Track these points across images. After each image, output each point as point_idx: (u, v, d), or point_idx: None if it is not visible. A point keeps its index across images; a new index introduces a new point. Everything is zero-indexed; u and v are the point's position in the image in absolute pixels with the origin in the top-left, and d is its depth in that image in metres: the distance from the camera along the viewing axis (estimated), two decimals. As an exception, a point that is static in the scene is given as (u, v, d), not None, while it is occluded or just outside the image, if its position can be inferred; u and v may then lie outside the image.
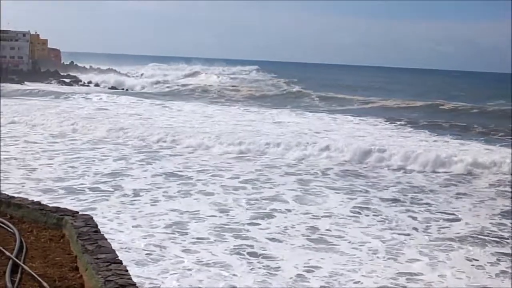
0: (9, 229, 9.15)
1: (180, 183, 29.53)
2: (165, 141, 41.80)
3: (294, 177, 32.39)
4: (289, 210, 25.40)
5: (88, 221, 9.26)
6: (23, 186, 26.95)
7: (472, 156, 37.25)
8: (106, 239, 8.51)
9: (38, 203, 10.27)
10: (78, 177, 29.97)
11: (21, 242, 8.54)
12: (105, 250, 7.92)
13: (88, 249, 7.91)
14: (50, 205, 10.37)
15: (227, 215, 24.21)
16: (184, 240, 20.59)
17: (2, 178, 27.66)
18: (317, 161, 37.06)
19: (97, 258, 7.54)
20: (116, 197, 26.25)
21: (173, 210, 24.43)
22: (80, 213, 9.84)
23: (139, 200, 26.00)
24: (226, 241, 20.80)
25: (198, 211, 24.52)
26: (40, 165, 32.35)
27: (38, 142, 40.25)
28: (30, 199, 10.73)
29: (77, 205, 23.47)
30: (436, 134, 51.45)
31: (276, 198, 27.38)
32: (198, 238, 20.91)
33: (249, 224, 23.05)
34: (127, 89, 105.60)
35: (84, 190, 27.19)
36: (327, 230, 22.69)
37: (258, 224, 23.18)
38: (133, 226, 21.87)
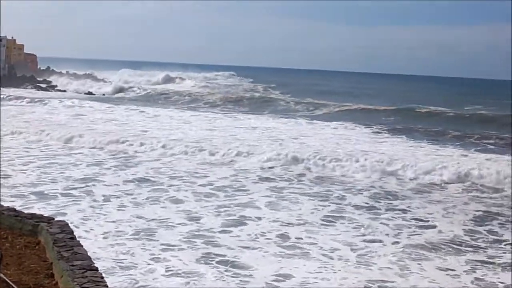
0: (-16, 236, 9.17)
1: (151, 190, 29.42)
2: (140, 147, 41.68)
3: (268, 183, 32.47)
4: (260, 218, 25.20)
5: (64, 227, 9.27)
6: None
7: (446, 162, 37.65)
8: (82, 246, 8.54)
9: (13, 209, 10.23)
10: (50, 182, 29.84)
11: (-5, 249, 8.55)
12: (81, 257, 7.95)
13: (64, 255, 7.92)
14: (25, 212, 10.36)
15: (198, 222, 24.05)
16: (154, 247, 20.47)
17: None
18: (292, 167, 37.14)
19: (73, 265, 7.58)
20: (87, 202, 26.15)
21: (139, 217, 24.23)
22: (56, 219, 9.84)
23: (108, 205, 25.88)
24: (196, 249, 20.62)
25: (168, 218, 24.41)
26: (14, 171, 32.12)
27: (14, 148, 39.92)
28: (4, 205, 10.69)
29: (48, 209, 23.40)
30: (412, 139, 52.12)
31: (249, 205, 27.32)
32: (168, 245, 20.75)
33: (220, 232, 22.91)
34: (103, 94, 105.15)
35: (56, 196, 27.09)
36: (298, 238, 22.60)
37: (230, 231, 23.08)
38: (101, 234, 21.64)
